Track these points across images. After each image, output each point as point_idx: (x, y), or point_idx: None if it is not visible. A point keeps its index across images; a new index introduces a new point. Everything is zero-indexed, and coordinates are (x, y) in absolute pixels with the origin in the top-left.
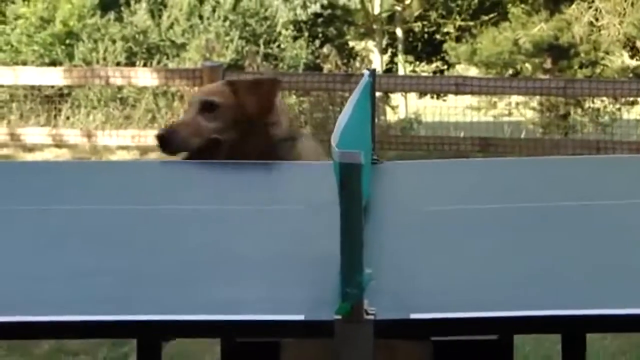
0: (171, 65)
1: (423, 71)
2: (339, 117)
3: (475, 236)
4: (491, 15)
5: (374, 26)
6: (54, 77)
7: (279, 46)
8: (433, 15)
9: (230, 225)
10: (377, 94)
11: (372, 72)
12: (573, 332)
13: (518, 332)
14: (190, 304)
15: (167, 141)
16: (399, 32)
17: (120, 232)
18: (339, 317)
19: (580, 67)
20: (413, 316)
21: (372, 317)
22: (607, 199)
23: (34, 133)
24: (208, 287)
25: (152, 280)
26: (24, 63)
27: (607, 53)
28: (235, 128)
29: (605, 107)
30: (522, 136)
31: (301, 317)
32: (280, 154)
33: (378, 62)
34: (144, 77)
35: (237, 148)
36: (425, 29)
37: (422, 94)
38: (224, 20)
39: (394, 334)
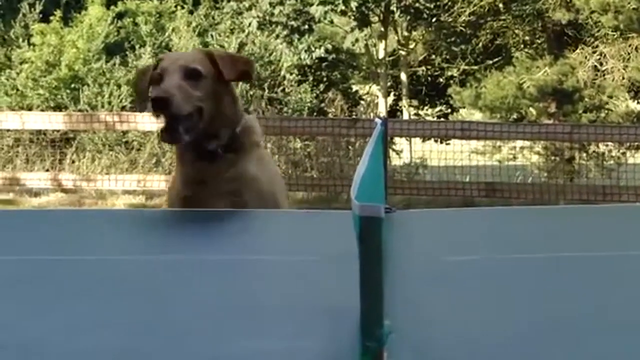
0: None
1: (427, 115)
2: (356, 168)
3: (493, 287)
4: (495, 60)
5: (378, 70)
6: (60, 122)
7: (283, 90)
8: (437, 59)
9: (244, 276)
10: None
11: (384, 120)
12: None
13: None
14: (207, 356)
15: (166, 104)
16: (403, 76)
17: (130, 283)
18: None
19: (585, 111)
20: None
21: None
22: (625, 249)
23: (39, 177)
24: (223, 339)
25: (164, 333)
26: (30, 107)
27: (612, 97)
28: (214, 98)
29: (610, 151)
30: (528, 181)
31: None
32: (245, 125)
33: (382, 106)
34: (151, 121)
35: (214, 118)
36: (429, 73)
37: (426, 138)
38: None
39: None
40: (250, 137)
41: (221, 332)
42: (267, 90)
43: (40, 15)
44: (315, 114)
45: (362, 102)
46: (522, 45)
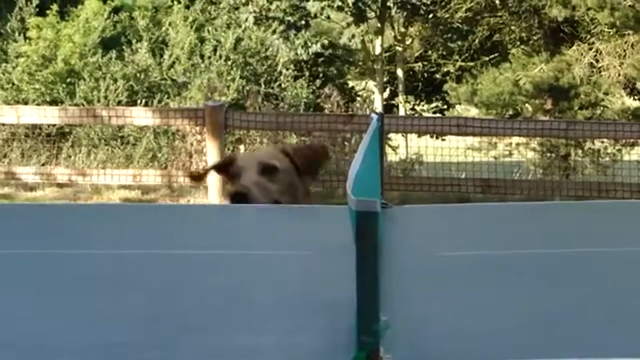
0: (172, 104)
1: (423, 111)
2: (351, 163)
3: (488, 283)
4: (492, 56)
5: (375, 66)
6: (55, 116)
7: (279, 86)
8: (433, 55)
9: (240, 271)
10: None
11: (380, 116)
12: None
13: None
14: (204, 351)
15: (245, 199)
16: (399, 72)
17: (125, 278)
18: None
19: (581, 108)
20: None
21: None
22: (615, 245)
23: (34, 172)
24: (222, 334)
25: (166, 326)
26: (26, 102)
27: (607, 94)
28: (289, 191)
29: (605, 148)
30: (524, 177)
31: None
32: None
33: (379, 101)
34: (146, 116)
35: None
36: (426, 69)
37: (422, 134)
38: (225, 60)
39: None
40: None
41: (217, 327)
42: (263, 86)
43: (37, 9)
44: (311, 109)
45: (359, 97)
46: (518, 42)
